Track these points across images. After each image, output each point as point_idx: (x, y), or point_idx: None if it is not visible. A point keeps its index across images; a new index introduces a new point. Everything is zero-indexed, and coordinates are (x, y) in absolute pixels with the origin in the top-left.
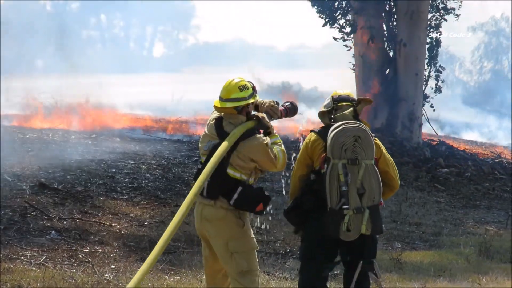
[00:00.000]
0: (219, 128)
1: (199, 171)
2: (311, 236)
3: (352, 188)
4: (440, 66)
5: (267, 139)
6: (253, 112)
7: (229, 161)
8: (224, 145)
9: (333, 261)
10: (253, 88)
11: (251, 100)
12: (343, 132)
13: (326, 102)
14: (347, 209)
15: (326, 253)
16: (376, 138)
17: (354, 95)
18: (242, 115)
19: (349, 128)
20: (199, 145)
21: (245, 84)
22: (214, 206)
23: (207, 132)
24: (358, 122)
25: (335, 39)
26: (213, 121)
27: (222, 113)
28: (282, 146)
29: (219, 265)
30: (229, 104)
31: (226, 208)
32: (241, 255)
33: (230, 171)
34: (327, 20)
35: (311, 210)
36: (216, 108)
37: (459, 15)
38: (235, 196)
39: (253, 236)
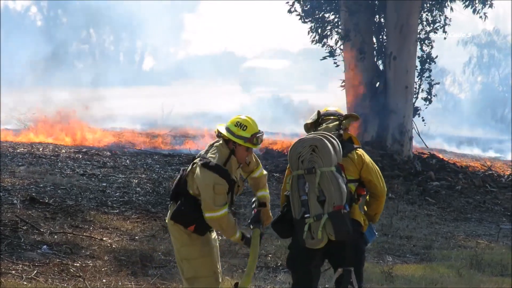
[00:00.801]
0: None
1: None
2: (292, 245)
3: (312, 196)
4: (429, 77)
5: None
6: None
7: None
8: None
9: (318, 268)
10: (253, 137)
11: (236, 140)
12: (300, 143)
13: (312, 115)
14: (308, 217)
15: (308, 261)
16: (359, 149)
17: (343, 110)
18: (229, 147)
19: (305, 139)
20: None
21: (244, 125)
22: (170, 210)
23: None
24: (324, 133)
25: (324, 58)
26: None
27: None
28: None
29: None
30: (220, 129)
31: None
32: (189, 262)
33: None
34: (317, 36)
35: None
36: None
37: (446, 26)
38: (174, 209)
39: (207, 243)
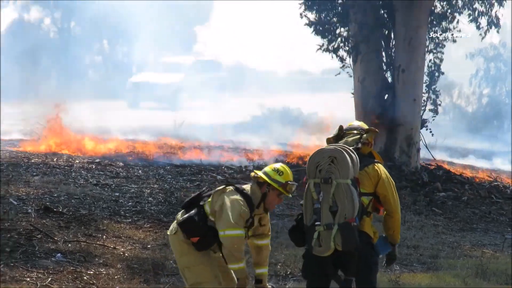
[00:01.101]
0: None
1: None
2: (306, 254)
3: (325, 206)
4: (435, 89)
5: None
6: None
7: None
8: None
9: (333, 277)
10: (286, 183)
11: (271, 182)
12: (320, 153)
13: (334, 130)
14: (318, 225)
15: (319, 269)
16: (377, 164)
17: (365, 125)
18: (261, 191)
19: (325, 149)
20: None
21: (281, 171)
22: (173, 223)
23: None
24: (344, 146)
25: (338, 73)
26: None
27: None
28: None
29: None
30: (259, 174)
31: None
32: (189, 269)
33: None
34: (327, 48)
35: None
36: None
37: (455, 37)
38: (185, 216)
39: (206, 254)
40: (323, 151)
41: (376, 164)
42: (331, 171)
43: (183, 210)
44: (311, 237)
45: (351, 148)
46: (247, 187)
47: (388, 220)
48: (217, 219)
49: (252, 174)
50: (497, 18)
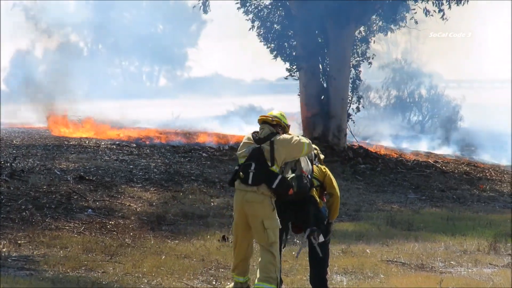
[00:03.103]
0: (256, 136)
1: (236, 171)
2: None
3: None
4: (358, 92)
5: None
6: None
7: (272, 159)
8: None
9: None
10: (287, 125)
11: (283, 123)
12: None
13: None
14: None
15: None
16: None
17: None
18: (275, 129)
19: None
20: (238, 152)
21: (284, 116)
22: (257, 192)
23: (246, 141)
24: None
25: (286, 78)
26: (250, 134)
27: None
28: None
29: (247, 236)
30: (271, 116)
31: (265, 194)
32: (271, 230)
33: (273, 167)
34: (282, 59)
35: None
36: (260, 117)
37: (373, 58)
38: (276, 181)
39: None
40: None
41: (321, 164)
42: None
43: (257, 186)
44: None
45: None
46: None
47: (335, 200)
48: (302, 143)
49: (269, 117)
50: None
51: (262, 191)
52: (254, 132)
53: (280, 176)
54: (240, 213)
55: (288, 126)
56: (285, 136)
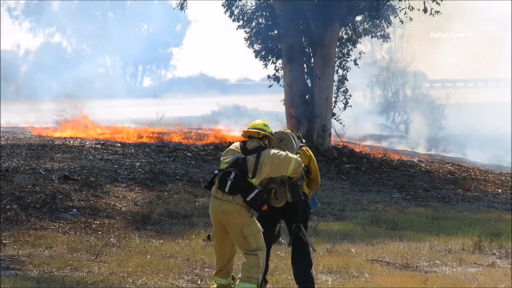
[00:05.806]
0: (243, 146)
1: (215, 176)
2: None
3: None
4: (344, 92)
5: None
6: None
7: (255, 172)
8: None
9: (279, 221)
10: (271, 133)
11: (269, 134)
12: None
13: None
14: (273, 184)
15: (274, 217)
16: (306, 147)
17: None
18: (262, 141)
19: (277, 132)
20: (222, 158)
21: (267, 125)
22: (232, 202)
23: (233, 148)
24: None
25: (269, 76)
26: (238, 143)
27: (247, 137)
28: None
29: (228, 242)
30: (257, 130)
31: (240, 204)
32: (252, 237)
33: (252, 180)
34: (266, 62)
35: None
36: (244, 131)
37: (359, 57)
38: (252, 195)
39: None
40: (275, 134)
41: (305, 146)
42: (280, 148)
43: (234, 196)
44: (269, 194)
45: (291, 132)
46: (255, 143)
47: (313, 184)
48: (288, 158)
49: (256, 133)
50: (387, 37)
51: (237, 201)
52: (242, 142)
53: (256, 190)
54: (217, 223)
55: (271, 133)
56: (273, 150)
